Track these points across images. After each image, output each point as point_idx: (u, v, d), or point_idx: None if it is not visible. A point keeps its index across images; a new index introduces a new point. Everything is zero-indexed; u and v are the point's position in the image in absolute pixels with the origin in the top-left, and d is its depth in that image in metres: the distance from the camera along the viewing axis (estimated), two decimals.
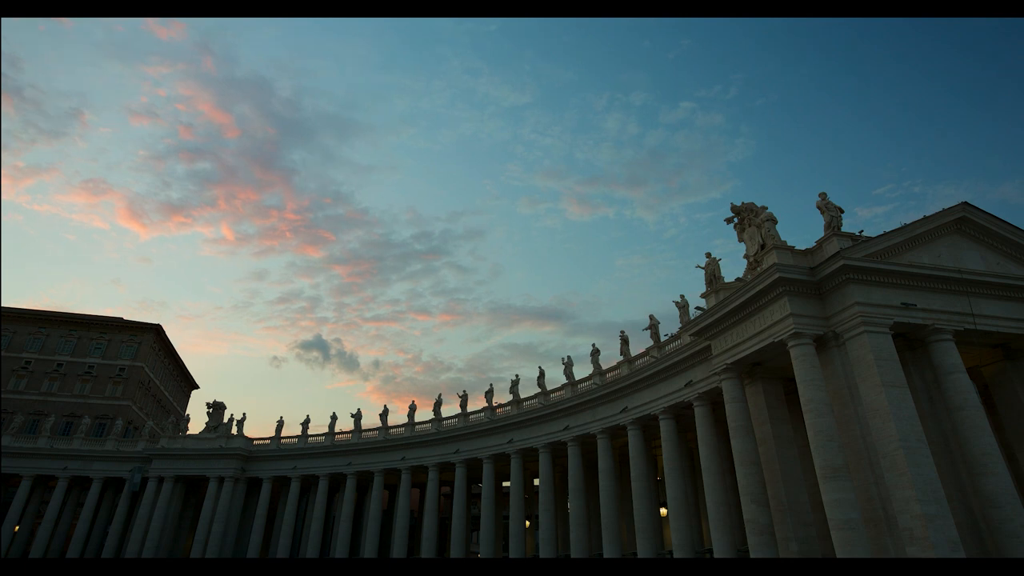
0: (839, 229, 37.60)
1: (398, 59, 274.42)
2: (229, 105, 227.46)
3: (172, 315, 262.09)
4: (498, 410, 72.08)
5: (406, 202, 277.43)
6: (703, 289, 45.52)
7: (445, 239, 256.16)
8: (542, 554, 61.80)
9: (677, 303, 53.48)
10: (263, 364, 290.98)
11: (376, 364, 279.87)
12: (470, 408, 76.21)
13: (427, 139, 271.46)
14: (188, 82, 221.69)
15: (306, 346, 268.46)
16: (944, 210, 39.16)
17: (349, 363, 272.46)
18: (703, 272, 45.88)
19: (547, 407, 64.75)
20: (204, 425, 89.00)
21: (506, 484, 72.62)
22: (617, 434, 58.19)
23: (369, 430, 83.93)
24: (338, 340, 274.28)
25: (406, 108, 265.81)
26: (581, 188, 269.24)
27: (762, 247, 38.60)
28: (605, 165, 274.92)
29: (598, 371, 60.80)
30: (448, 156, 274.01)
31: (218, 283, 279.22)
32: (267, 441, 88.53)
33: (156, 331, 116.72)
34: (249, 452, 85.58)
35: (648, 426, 54.97)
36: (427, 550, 71.11)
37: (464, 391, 76.72)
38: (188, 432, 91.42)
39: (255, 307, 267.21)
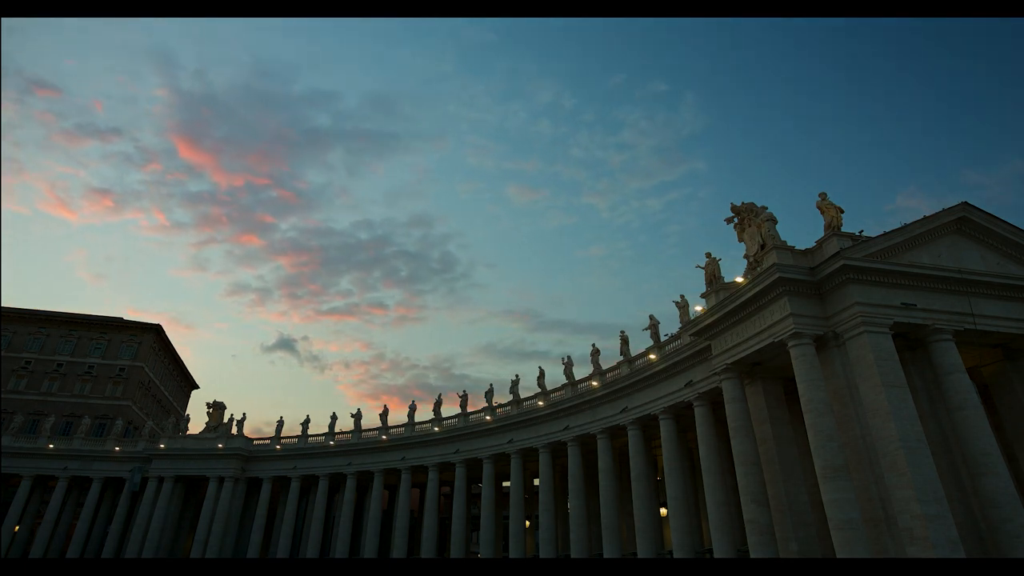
0: (839, 229, 37.62)
1: (300, 22, 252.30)
2: (139, 78, 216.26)
3: (117, 310, 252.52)
4: (498, 410, 72.07)
5: (337, 182, 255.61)
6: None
7: (389, 227, 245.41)
8: (542, 554, 61.81)
9: (677, 303, 53.49)
10: (228, 362, 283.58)
11: (346, 365, 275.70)
12: (470, 408, 76.24)
13: (344, 110, 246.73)
14: (90, 50, 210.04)
15: (270, 347, 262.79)
16: (944, 210, 39.17)
17: (320, 363, 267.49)
18: (699, 271, 45.91)
19: (547, 407, 64.75)
20: (204, 425, 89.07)
21: (506, 484, 72.58)
22: (617, 434, 58.18)
23: (369, 430, 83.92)
24: (306, 338, 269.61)
25: (318, 77, 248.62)
26: (519, 167, 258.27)
27: (762, 247, 38.59)
28: (545, 145, 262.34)
29: (598, 371, 60.79)
30: (370, 129, 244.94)
31: (160, 275, 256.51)
32: (267, 441, 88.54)
33: (156, 331, 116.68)
34: (249, 452, 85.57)
35: (648, 426, 54.97)
36: (427, 550, 71.09)
37: (464, 391, 76.85)
38: (188, 432, 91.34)
39: (206, 301, 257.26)
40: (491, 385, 73.91)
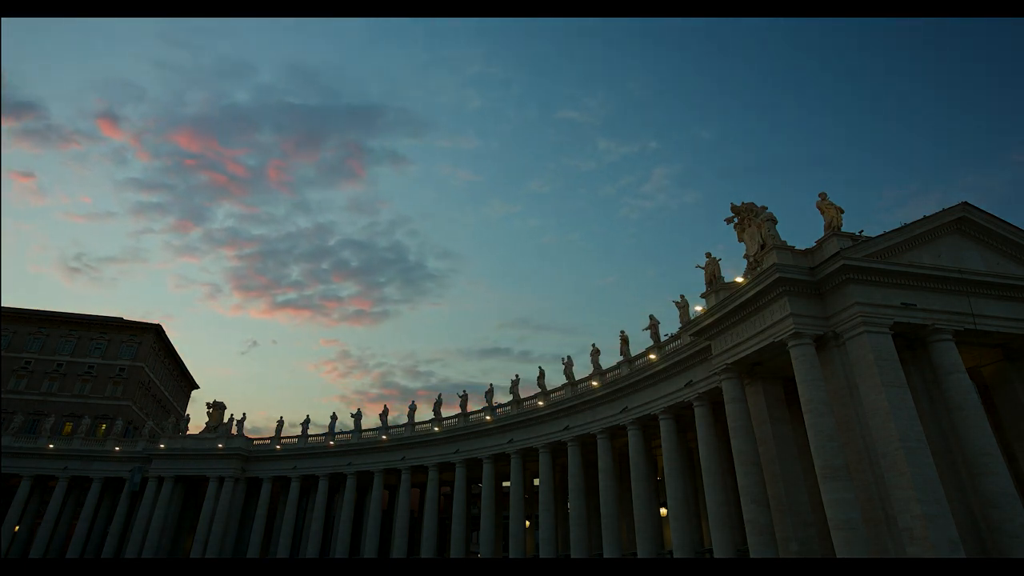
0: (839, 229, 37.61)
1: None
2: (39, 48, 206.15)
3: (62, 304, 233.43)
4: (498, 410, 72.11)
5: (267, 161, 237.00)
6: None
7: (329, 212, 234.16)
8: (542, 554, 61.80)
9: (677, 303, 53.46)
10: (209, 371, 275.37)
11: (315, 365, 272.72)
12: (470, 408, 76.31)
13: (264, 84, 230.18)
14: None
15: (247, 348, 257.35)
16: (944, 210, 39.19)
17: (287, 363, 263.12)
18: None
19: (547, 407, 64.75)
20: (204, 425, 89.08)
21: (506, 484, 72.61)
22: (617, 434, 58.18)
23: (369, 430, 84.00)
24: (275, 342, 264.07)
25: (227, 45, 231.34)
26: (454, 146, 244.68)
27: (762, 247, 38.59)
28: (476, 121, 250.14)
29: (598, 371, 60.81)
30: (294, 104, 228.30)
31: (99, 266, 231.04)
32: (267, 441, 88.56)
33: (156, 331, 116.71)
34: (249, 452, 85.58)
35: (648, 426, 54.97)
36: (427, 550, 71.10)
37: (464, 391, 76.92)
38: (188, 432, 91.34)
39: (153, 295, 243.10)
40: (491, 385, 74.50)
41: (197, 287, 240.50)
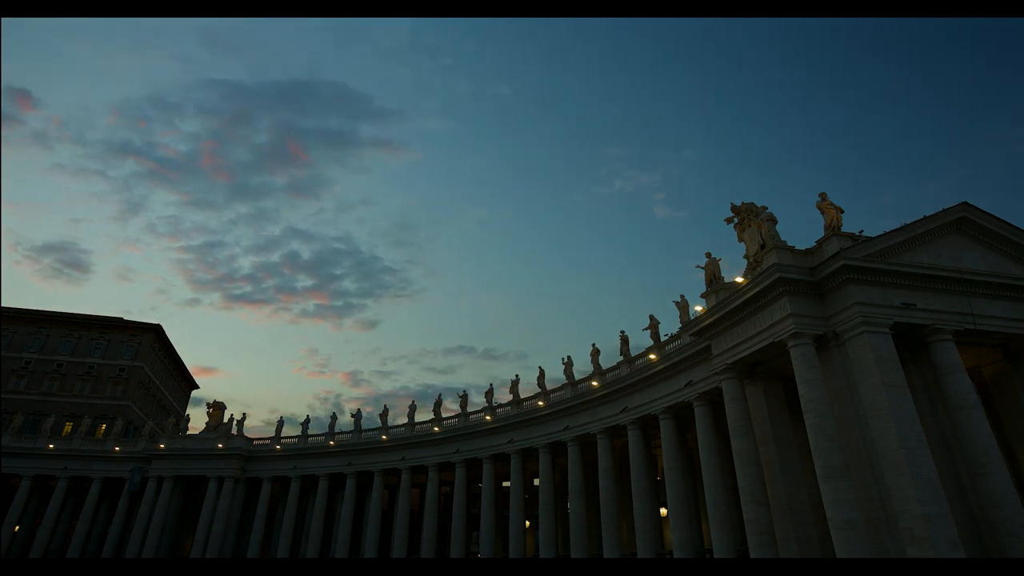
0: (839, 229, 37.60)
1: None
2: None
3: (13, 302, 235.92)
4: (498, 410, 72.12)
5: (198, 143, 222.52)
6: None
7: (268, 197, 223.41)
8: (542, 554, 61.78)
9: (677, 303, 53.46)
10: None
11: (288, 367, 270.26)
12: (469, 408, 76.31)
13: (181, 54, 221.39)
14: None
15: (229, 351, 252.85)
16: (944, 210, 39.14)
17: (265, 364, 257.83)
18: (702, 272, 45.79)
19: (547, 407, 64.73)
20: (204, 425, 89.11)
21: (506, 484, 72.58)
22: (617, 434, 58.18)
23: (369, 430, 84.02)
24: (244, 343, 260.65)
25: (130, 23, 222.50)
26: (385, 123, 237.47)
27: (762, 247, 38.59)
28: (404, 94, 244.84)
29: (598, 371, 60.82)
30: (214, 80, 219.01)
31: (39, 260, 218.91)
32: (267, 441, 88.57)
33: (156, 331, 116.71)
34: (249, 452, 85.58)
35: (648, 426, 54.97)
36: (427, 550, 71.10)
37: (464, 391, 77.00)
38: (188, 432, 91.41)
39: (103, 291, 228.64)
40: (491, 385, 74.66)
41: (147, 279, 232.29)
